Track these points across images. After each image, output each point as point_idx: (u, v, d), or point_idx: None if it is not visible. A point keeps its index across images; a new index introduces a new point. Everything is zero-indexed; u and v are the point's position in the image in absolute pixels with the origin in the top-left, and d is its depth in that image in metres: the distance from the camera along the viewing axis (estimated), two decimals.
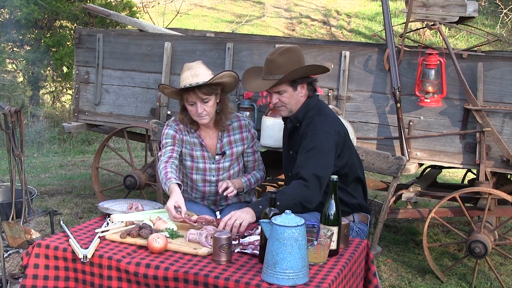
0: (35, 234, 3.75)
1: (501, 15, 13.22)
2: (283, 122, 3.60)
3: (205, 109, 3.51)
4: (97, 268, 2.78)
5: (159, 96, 5.01)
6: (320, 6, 15.93)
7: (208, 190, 3.69)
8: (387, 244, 5.19)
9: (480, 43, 5.29)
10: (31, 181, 6.55)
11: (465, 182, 5.73)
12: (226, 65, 4.79)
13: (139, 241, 2.90)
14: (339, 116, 3.72)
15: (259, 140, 4.21)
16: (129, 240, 2.92)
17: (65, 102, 9.69)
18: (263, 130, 4.46)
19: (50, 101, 9.76)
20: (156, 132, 4.02)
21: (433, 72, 4.23)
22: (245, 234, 3.01)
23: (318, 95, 3.56)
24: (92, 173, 5.51)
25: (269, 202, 2.81)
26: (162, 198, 4.00)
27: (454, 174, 7.30)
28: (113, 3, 9.42)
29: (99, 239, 2.91)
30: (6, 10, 9.14)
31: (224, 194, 3.49)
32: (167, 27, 7.65)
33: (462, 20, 4.57)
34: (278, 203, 2.84)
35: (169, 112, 4.99)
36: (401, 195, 4.53)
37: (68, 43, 9.06)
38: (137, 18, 8.49)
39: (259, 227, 2.76)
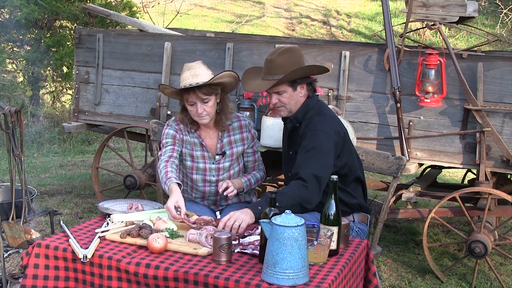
0: (35, 234, 3.75)
1: (501, 15, 13.22)
2: (283, 122, 3.60)
3: (205, 109, 3.51)
4: (97, 268, 2.78)
5: (159, 96, 5.01)
6: (320, 6, 15.93)
7: (208, 190, 3.69)
8: (387, 244, 5.19)
9: (480, 43, 5.29)
10: (31, 181, 6.55)
11: (465, 182, 5.73)
12: (226, 65, 4.79)
13: (139, 241, 2.89)
14: (339, 116, 3.72)
15: (259, 140, 4.21)
16: (129, 240, 2.92)
17: (65, 102, 9.69)
18: (263, 130, 4.46)
19: (50, 101, 9.76)
20: (156, 132, 4.02)
21: (433, 72, 4.23)
22: (245, 234, 3.01)
23: (318, 95, 3.56)
24: (92, 173, 5.51)
25: (269, 202, 2.81)
26: (162, 198, 4.00)
27: (454, 174, 7.30)
28: (113, 3, 9.42)
29: (99, 239, 2.91)
30: (6, 10, 9.14)
31: (224, 194, 3.49)
32: (167, 27, 7.65)
33: (462, 20, 4.57)
34: (277, 204, 2.84)
35: (169, 112, 4.99)
36: (401, 195, 4.53)
37: (68, 43, 9.06)
38: (137, 18, 8.49)
39: (259, 227, 2.76)
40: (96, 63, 5.28)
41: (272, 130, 4.37)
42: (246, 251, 2.82)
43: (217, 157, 3.65)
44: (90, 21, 6.25)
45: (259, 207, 3.09)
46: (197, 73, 3.47)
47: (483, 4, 13.64)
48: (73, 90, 6.39)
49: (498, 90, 4.22)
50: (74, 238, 2.90)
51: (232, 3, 15.98)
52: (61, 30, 9.30)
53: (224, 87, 3.60)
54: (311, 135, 3.32)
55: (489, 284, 4.54)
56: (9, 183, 3.90)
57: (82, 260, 2.77)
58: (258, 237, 2.86)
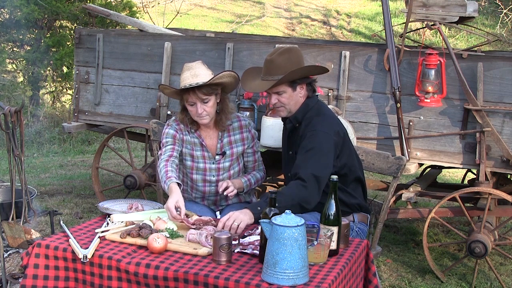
0: (35, 234, 3.75)
1: (501, 15, 13.22)
2: (283, 123, 3.60)
3: (205, 109, 3.50)
4: (97, 268, 2.78)
5: (159, 96, 5.01)
6: (320, 6, 15.93)
7: (208, 190, 3.69)
8: (387, 244, 5.19)
9: (480, 43, 5.29)
10: (31, 181, 6.55)
11: (465, 182, 5.73)
12: (226, 65, 4.79)
13: (139, 241, 2.89)
14: (339, 116, 3.72)
15: (259, 140, 4.21)
16: (129, 240, 2.92)
17: (65, 102, 9.69)
18: (263, 130, 4.46)
19: (50, 101, 9.76)
20: (156, 132, 4.02)
21: (433, 72, 4.23)
22: (245, 234, 3.01)
23: (318, 95, 3.56)
24: (92, 173, 5.51)
25: (269, 202, 2.81)
26: (162, 198, 4.00)
27: (454, 174, 7.30)
28: (113, 3, 9.42)
29: (99, 239, 2.91)
30: (6, 10, 9.14)
31: (225, 193, 3.49)
32: (167, 27, 7.65)
33: (462, 20, 4.57)
34: (276, 204, 2.84)
35: (169, 112, 4.99)
36: (401, 195, 4.53)
37: (68, 43, 9.06)
38: (137, 18, 8.49)
39: (259, 227, 2.76)
40: (96, 63, 5.28)
41: (272, 130, 4.37)
42: (246, 251, 2.82)
43: (217, 157, 3.65)
44: (90, 21, 6.25)
45: (259, 208, 3.09)
46: (197, 73, 3.47)
47: (483, 4, 13.65)
48: (73, 90, 6.40)
49: (498, 90, 4.22)
50: (74, 238, 2.90)
51: (232, 3, 15.98)
52: (61, 30, 9.30)
53: (224, 87, 3.60)
54: (310, 135, 3.32)
55: (489, 284, 4.54)
56: (9, 183, 3.90)
57: (82, 260, 2.77)
58: (258, 237, 2.86)
